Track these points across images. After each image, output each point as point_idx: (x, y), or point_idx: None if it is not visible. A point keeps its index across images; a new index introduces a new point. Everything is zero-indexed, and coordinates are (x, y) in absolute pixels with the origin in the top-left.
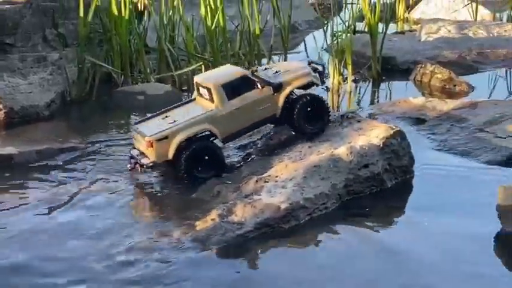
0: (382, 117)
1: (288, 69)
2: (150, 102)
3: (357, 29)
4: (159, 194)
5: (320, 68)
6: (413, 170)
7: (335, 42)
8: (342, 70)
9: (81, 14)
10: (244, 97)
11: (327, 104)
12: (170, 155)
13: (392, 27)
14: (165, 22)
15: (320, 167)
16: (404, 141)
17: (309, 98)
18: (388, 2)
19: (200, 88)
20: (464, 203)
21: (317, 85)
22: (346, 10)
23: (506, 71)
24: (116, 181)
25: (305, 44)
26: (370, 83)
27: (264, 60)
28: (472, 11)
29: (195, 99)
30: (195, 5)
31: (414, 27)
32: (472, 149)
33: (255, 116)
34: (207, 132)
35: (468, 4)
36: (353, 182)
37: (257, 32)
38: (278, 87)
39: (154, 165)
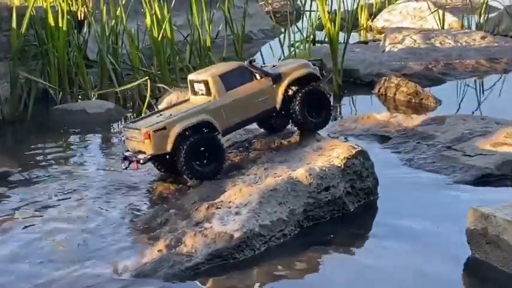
0: (344, 135)
1: (286, 63)
2: (91, 121)
3: (316, 38)
4: (98, 224)
5: (317, 63)
6: (377, 192)
7: (293, 53)
8: None
9: (14, 24)
10: (242, 88)
11: (328, 95)
12: (169, 147)
13: (354, 37)
14: (107, 33)
15: (277, 190)
16: (367, 161)
17: (308, 89)
18: (349, 9)
19: (195, 85)
20: (432, 226)
21: (318, 78)
22: (305, 18)
23: (475, 82)
24: (45, 210)
25: (261, 55)
26: (331, 98)
27: None
28: (439, 19)
29: (189, 99)
30: (140, 13)
31: (378, 36)
32: (440, 168)
33: (254, 107)
34: (205, 130)
35: (434, 11)
36: (313, 206)
37: (208, 42)
38: (277, 78)
39: (151, 159)
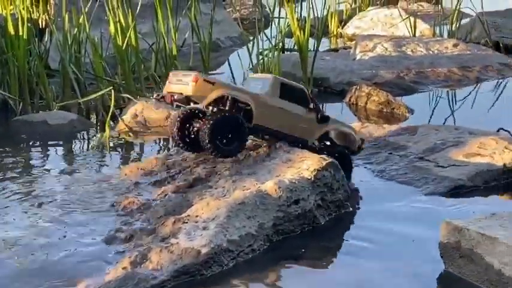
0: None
1: (344, 122)
2: (52, 132)
3: (286, 46)
4: (59, 238)
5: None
6: (348, 204)
7: (261, 61)
8: None
9: None
10: (293, 105)
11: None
12: (207, 101)
13: (325, 44)
14: (70, 41)
15: (245, 204)
16: (338, 173)
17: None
18: (319, 16)
19: (252, 82)
20: (404, 239)
21: (353, 151)
22: (274, 25)
23: (447, 92)
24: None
25: (229, 63)
26: None
27: None
28: (411, 26)
29: None
30: (103, 21)
31: (348, 43)
32: (412, 179)
33: (290, 127)
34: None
35: (406, 18)
36: (282, 220)
37: (174, 51)
38: (324, 120)
39: (186, 99)
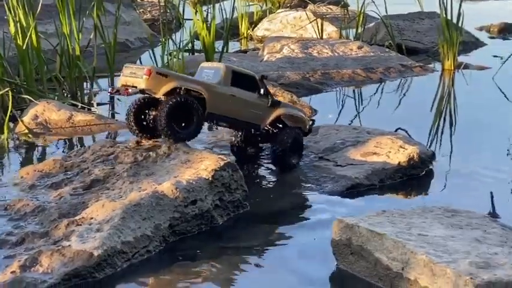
0: (218, 146)
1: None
2: None
3: (198, 47)
4: None
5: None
6: (246, 204)
7: (170, 62)
8: None
9: None
10: (243, 92)
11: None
12: (160, 93)
13: (235, 46)
14: None
15: (141, 205)
16: (236, 174)
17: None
18: (229, 17)
19: (204, 71)
20: (301, 237)
21: (304, 133)
22: (185, 27)
23: (354, 92)
24: None
25: (141, 63)
26: None
27: (88, 83)
28: (318, 28)
29: None
30: (5, 21)
31: (258, 45)
32: (311, 178)
33: (244, 114)
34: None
35: (313, 21)
36: (179, 221)
37: (77, 52)
38: (275, 104)
39: (141, 92)
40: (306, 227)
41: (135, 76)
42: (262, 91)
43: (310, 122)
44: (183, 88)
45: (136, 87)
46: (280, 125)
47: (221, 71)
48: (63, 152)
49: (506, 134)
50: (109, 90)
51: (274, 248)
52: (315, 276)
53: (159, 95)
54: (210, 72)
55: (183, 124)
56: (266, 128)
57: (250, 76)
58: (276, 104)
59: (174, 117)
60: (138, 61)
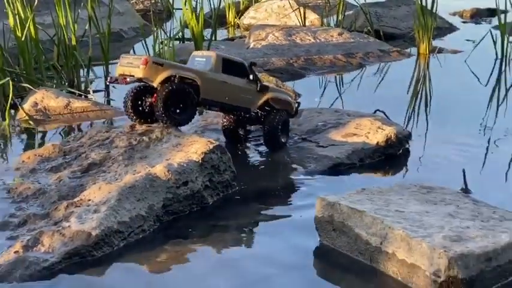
0: (208, 130)
1: (279, 88)
2: None
3: (188, 36)
4: None
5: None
6: (235, 184)
7: (162, 50)
8: None
9: None
10: (234, 78)
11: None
12: (156, 81)
13: (223, 34)
14: None
15: (135, 187)
16: (224, 156)
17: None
18: (217, 7)
19: (196, 59)
20: (285, 216)
21: (291, 114)
22: (175, 17)
23: (335, 77)
24: None
25: (134, 53)
26: None
27: (84, 72)
28: (301, 16)
29: None
30: (4, 13)
31: (245, 33)
32: (295, 159)
33: (235, 98)
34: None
35: (296, 9)
36: (172, 201)
37: (73, 41)
38: (263, 89)
39: (138, 81)
40: (290, 205)
41: (132, 66)
42: (251, 77)
43: (296, 105)
44: (177, 76)
45: (133, 76)
46: (268, 108)
47: (212, 59)
48: (61, 137)
49: (478, 113)
50: (108, 80)
51: (261, 225)
52: (300, 251)
53: (156, 83)
54: (202, 60)
55: (179, 110)
56: (255, 111)
57: (239, 63)
58: (265, 89)
59: (171, 104)
60: (131, 50)
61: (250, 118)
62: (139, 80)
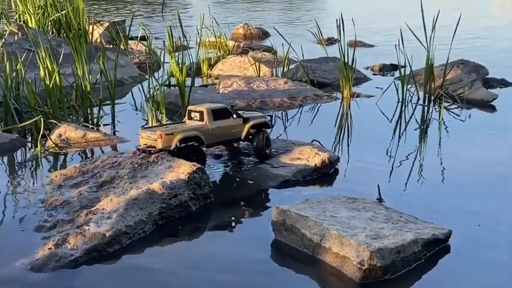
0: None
1: (252, 114)
2: None
3: (174, 83)
4: None
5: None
6: (212, 196)
7: (153, 94)
8: (158, 116)
9: None
10: (223, 121)
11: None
12: (172, 146)
13: (199, 81)
14: (9, 82)
15: (138, 199)
16: (204, 175)
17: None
18: (195, 61)
19: (192, 113)
20: (250, 219)
21: (269, 126)
22: (164, 68)
23: (282, 114)
24: None
25: (132, 95)
26: None
27: (95, 110)
28: (256, 69)
29: (185, 121)
30: (36, 66)
31: (215, 81)
32: (256, 177)
33: (229, 134)
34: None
35: (253, 64)
36: (165, 209)
37: (88, 87)
38: (246, 120)
39: (160, 151)
40: (254, 212)
41: (151, 139)
42: (235, 116)
43: (269, 118)
44: (183, 136)
45: (155, 147)
46: (253, 130)
47: (205, 113)
48: (81, 158)
49: (386, 142)
50: (135, 150)
51: (232, 226)
52: (261, 245)
53: (172, 148)
54: (196, 114)
55: (195, 156)
56: (244, 136)
57: (223, 108)
58: (247, 120)
59: (187, 155)
60: (130, 93)
61: (242, 140)
62: (160, 150)
